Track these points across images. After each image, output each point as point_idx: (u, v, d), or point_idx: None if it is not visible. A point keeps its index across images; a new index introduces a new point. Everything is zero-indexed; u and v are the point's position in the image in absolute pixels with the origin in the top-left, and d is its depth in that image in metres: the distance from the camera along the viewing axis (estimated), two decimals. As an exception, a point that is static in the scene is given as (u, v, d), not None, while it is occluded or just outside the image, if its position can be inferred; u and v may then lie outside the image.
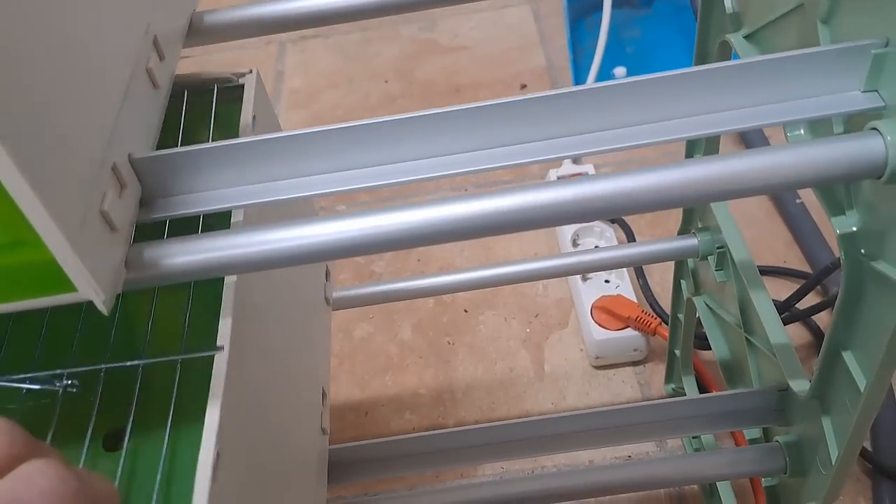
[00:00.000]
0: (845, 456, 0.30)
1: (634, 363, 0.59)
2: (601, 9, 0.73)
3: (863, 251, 0.26)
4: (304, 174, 0.24)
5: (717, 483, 0.47)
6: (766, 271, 0.62)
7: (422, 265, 0.69)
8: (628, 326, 0.57)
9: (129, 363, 0.25)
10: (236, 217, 0.26)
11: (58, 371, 0.26)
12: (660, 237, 0.58)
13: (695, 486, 0.52)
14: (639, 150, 0.68)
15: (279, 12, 0.32)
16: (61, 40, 0.20)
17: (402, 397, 0.59)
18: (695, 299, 0.45)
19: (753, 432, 0.40)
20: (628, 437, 0.38)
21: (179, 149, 0.23)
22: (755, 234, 0.66)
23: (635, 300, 0.59)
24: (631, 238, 0.66)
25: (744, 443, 0.45)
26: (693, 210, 0.44)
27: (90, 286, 0.19)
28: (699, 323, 0.46)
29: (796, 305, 0.56)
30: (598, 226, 0.65)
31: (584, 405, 0.57)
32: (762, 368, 0.39)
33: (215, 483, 0.21)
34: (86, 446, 0.24)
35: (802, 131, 0.28)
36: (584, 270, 0.48)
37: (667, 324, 0.54)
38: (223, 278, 0.25)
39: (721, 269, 0.41)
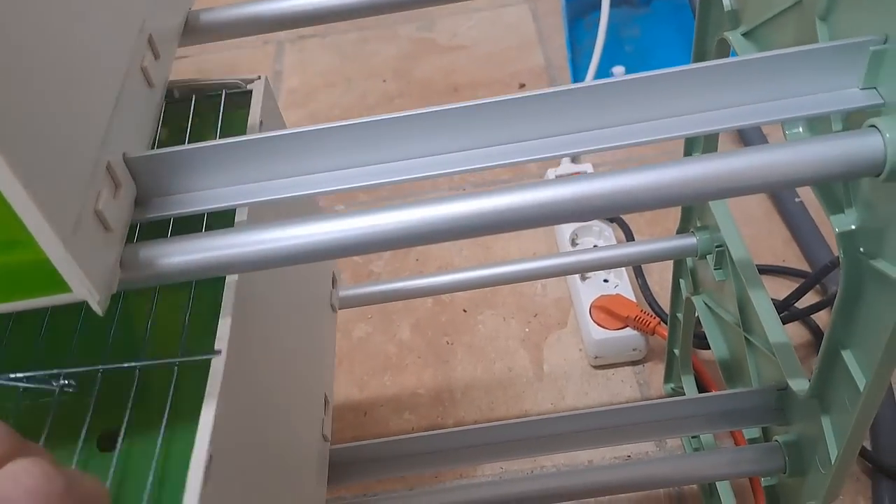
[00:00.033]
0: (845, 455, 0.30)
1: (633, 363, 0.59)
2: (600, 8, 0.73)
3: (862, 249, 0.26)
4: (301, 173, 0.24)
5: (716, 483, 0.47)
6: (765, 270, 0.62)
7: (420, 265, 0.68)
8: (627, 326, 0.57)
9: (126, 365, 0.25)
10: (240, 216, 0.26)
11: (55, 371, 0.26)
12: (659, 236, 0.58)
13: (694, 486, 0.52)
14: (637, 149, 0.68)
15: (276, 11, 0.32)
16: (55, 39, 0.19)
17: (400, 397, 0.59)
18: (694, 298, 0.45)
19: (753, 432, 0.40)
20: (627, 437, 0.38)
21: (174, 148, 0.23)
22: (754, 233, 0.66)
23: (634, 299, 0.59)
24: (630, 237, 0.66)
25: (743, 442, 0.45)
26: (692, 209, 0.44)
27: (84, 286, 0.19)
28: (698, 322, 0.46)
29: (795, 304, 0.56)
30: (596, 225, 0.65)
31: (583, 405, 0.57)
32: (761, 368, 0.39)
33: (207, 484, 0.21)
34: (79, 446, 0.24)
35: (801, 129, 0.28)
36: (583, 270, 0.48)
37: (666, 323, 0.54)
38: (224, 278, 0.25)
39: (720, 268, 0.41)
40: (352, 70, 0.90)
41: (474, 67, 0.88)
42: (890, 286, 0.24)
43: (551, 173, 0.70)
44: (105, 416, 0.24)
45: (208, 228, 0.26)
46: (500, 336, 0.62)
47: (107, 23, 0.22)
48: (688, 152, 0.42)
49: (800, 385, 0.34)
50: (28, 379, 0.26)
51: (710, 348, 0.45)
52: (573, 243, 0.65)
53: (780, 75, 0.24)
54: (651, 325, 0.56)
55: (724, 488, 0.46)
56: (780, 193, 0.67)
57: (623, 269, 0.61)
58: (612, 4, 0.73)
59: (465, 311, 0.64)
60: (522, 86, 0.84)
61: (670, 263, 0.49)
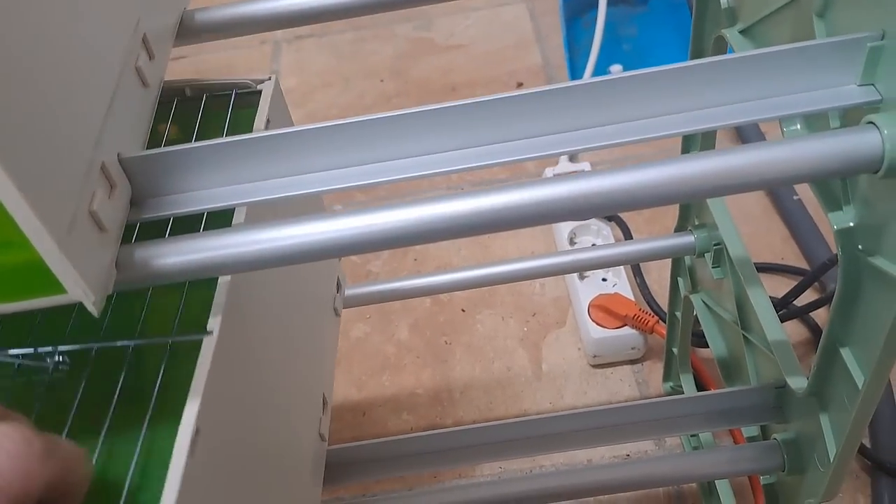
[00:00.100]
0: (843, 453, 0.30)
1: (632, 361, 0.59)
2: (597, 7, 0.73)
3: (860, 247, 0.26)
4: (298, 172, 0.24)
5: (715, 481, 0.47)
6: (763, 268, 0.62)
7: (418, 265, 0.68)
8: (626, 325, 0.57)
9: (119, 343, 0.25)
10: (238, 216, 0.26)
11: (50, 348, 0.26)
12: (657, 235, 0.57)
13: (693, 485, 0.52)
14: (635, 147, 0.68)
15: (271, 10, 0.31)
16: (48, 39, 0.19)
17: (399, 397, 0.59)
18: (692, 297, 0.45)
19: (752, 430, 0.40)
20: (626, 436, 0.38)
21: (169, 148, 0.23)
22: (752, 231, 0.66)
23: (633, 298, 0.59)
24: (628, 236, 0.66)
25: (742, 441, 0.45)
26: (690, 207, 0.44)
27: (79, 287, 0.19)
28: (697, 321, 0.46)
29: (794, 302, 0.56)
30: (594, 224, 0.65)
31: (582, 404, 0.57)
32: (760, 366, 0.38)
33: (193, 456, 0.21)
34: (69, 421, 0.24)
35: (799, 126, 0.28)
36: (582, 269, 0.48)
37: (664, 322, 0.54)
38: None
39: (718, 267, 0.41)
40: (349, 70, 0.90)
41: (472, 67, 0.87)
42: (888, 283, 0.24)
43: (549, 172, 0.70)
44: (96, 392, 0.24)
45: (206, 229, 0.26)
46: (499, 335, 0.62)
47: (100, 22, 0.22)
48: (685, 150, 0.42)
49: (798, 383, 0.33)
50: (23, 356, 0.26)
51: (708, 347, 0.45)
52: (571, 242, 0.65)
53: (778, 72, 0.23)
54: (650, 323, 0.56)
55: (723, 487, 0.46)
56: (778, 191, 0.67)
57: (621, 267, 0.61)
58: (610, 3, 0.73)
59: (463, 310, 0.64)
60: (520, 85, 0.84)
61: (669, 262, 0.49)
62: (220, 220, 0.26)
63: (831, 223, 0.26)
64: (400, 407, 0.59)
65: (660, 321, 0.56)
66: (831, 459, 0.30)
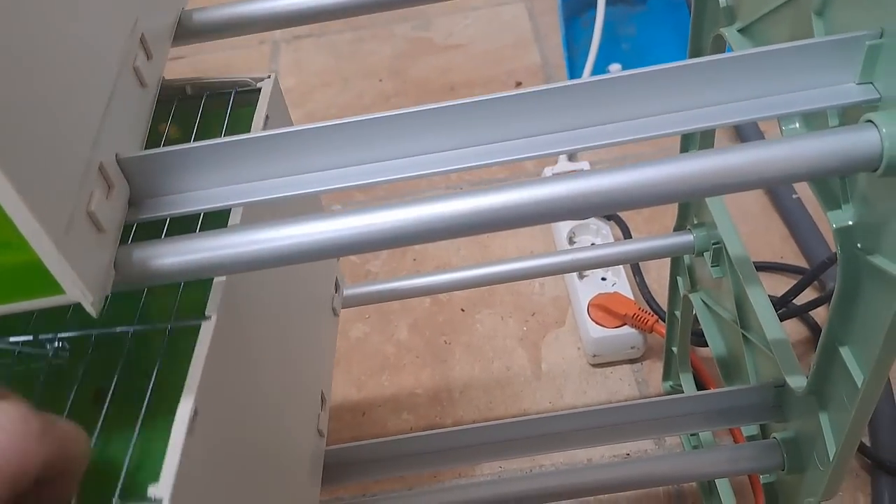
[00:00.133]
0: (843, 452, 0.30)
1: (632, 361, 0.59)
2: (595, 6, 0.73)
3: (859, 245, 0.26)
4: (296, 172, 0.24)
5: (715, 480, 0.47)
6: (762, 267, 0.62)
7: (418, 264, 0.68)
8: (625, 324, 0.57)
9: (118, 329, 0.26)
10: (234, 217, 0.26)
11: (50, 335, 0.26)
12: (656, 234, 0.57)
13: (693, 484, 0.52)
14: (634, 147, 0.68)
15: (270, 10, 0.31)
16: (46, 39, 0.19)
17: (399, 397, 0.59)
18: (691, 296, 0.45)
19: (751, 429, 0.40)
20: (626, 435, 0.38)
21: (167, 148, 0.23)
22: (752, 230, 0.66)
23: (632, 297, 0.59)
24: (627, 235, 0.66)
25: (742, 440, 0.45)
26: (688, 206, 0.44)
27: (78, 288, 0.19)
28: (696, 320, 0.46)
29: (793, 301, 0.56)
30: (594, 223, 0.65)
31: (582, 403, 0.57)
32: (759, 365, 0.38)
33: (191, 436, 0.21)
34: (68, 405, 0.24)
35: (797, 125, 0.28)
36: (581, 268, 0.47)
37: (664, 321, 0.54)
38: None
39: (717, 266, 0.41)
40: (348, 70, 0.90)
41: (470, 66, 0.87)
42: (887, 282, 0.24)
43: (548, 171, 0.70)
44: (96, 378, 0.24)
45: (202, 229, 0.26)
46: (498, 335, 0.62)
47: (98, 22, 0.22)
48: (684, 149, 0.42)
49: (797, 382, 0.33)
50: (23, 343, 0.26)
51: (708, 346, 0.44)
52: (571, 241, 0.65)
53: (776, 71, 0.23)
54: (649, 322, 0.56)
55: (723, 486, 0.46)
56: (777, 190, 0.67)
57: (621, 267, 0.61)
58: (608, 2, 0.73)
59: (462, 310, 0.64)
60: (519, 84, 0.84)
61: (668, 261, 0.49)
62: (217, 219, 0.26)
63: (830, 222, 0.26)
64: (399, 407, 0.59)
65: (659, 320, 0.56)
66: (831, 458, 0.30)
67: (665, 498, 0.51)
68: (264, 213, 0.28)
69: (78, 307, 0.23)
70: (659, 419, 0.38)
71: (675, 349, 0.53)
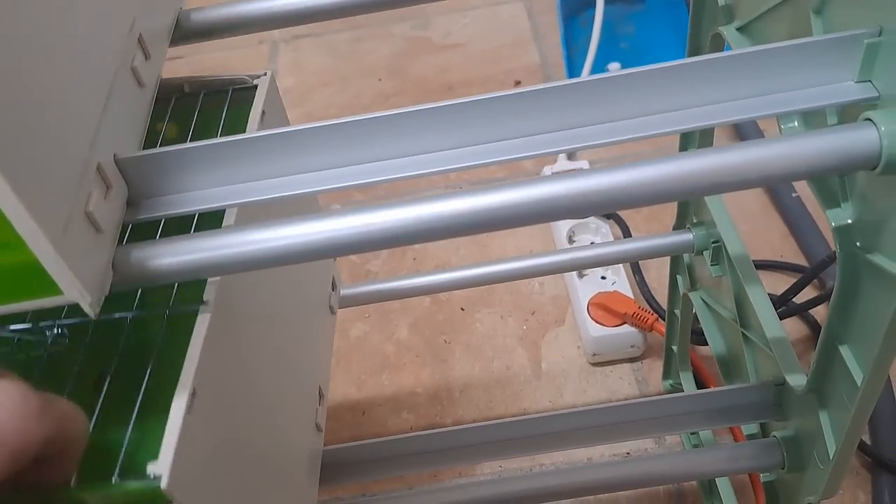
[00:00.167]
0: (843, 450, 0.30)
1: (632, 360, 0.59)
2: (594, 5, 0.73)
3: (858, 244, 0.26)
4: (295, 172, 0.24)
5: (716, 479, 0.47)
6: (762, 265, 0.62)
7: (417, 264, 0.68)
8: (625, 323, 0.57)
9: (117, 315, 0.26)
10: (228, 219, 0.26)
11: (49, 322, 0.26)
12: (656, 233, 0.57)
13: (694, 483, 0.51)
14: (633, 146, 0.68)
15: (268, 9, 0.31)
16: (42, 39, 0.19)
17: (399, 397, 0.59)
18: (691, 295, 0.45)
19: (751, 428, 0.40)
20: (626, 434, 0.38)
21: (165, 148, 0.23)
22: (751, 229, 0.66)
23: (632, 296, 0.59)
24: (627, 234, 0.66)
25: (742, 439, 0.45)
26: (688, 205, 0.44)
27: (75, 288, 0.19)
28: (696, 318, 0.46)
29: (793, 299, 0.56)
30: (593, 222, 0.65)
31: (582, 402, 0.57)
32: (759, 363, 0.38)
33: (189, 415, 0.21)
34: (68, 388, 0.24)
35: (796, 123, 0.28)
36: (580, 267, 0.47)
37: (664, 319, 0.54)
38: None
39: (716, 264, 0.41)
40: (346, 69, 0.90)
41: (469, 65, 0.87)
42: (887, 280, 0.24)
43: (547, 170, 0.70)
44: (95, 362, 0.25)
45: (197, 229, 0.26)
46: (498, 334, 0.62)
47: (95, 22, 0.22)
48: (683, 148, 0.42)
49: (797, 380, 0.33)
50: (22, 331, 0.26)
51: (708, 344, 0.44)
52: (570, 240, 0.65)
53: (775, 69, 0.23)
54: (649, 321, 0.56)
55: (723, 485, 0.46)
56: (777, 188, 0.66)
57: (621, 265, 0.61)
58: (607, 1, 0.73)
59: (462, 309, 0.64)
60: (518, 83, 0.84)
61: (668, 260, 0.49)
62: (213, 220, 0.26)
63: (829, 220, 0.26)
64: (399, 406, 0.59)
65: (659, 319, 0.56)
66: (831, 457, 0.30)
67: (665, 497, 0.51)
68: (260, 214, 0.28)
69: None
70: (659, 418, 0.38)
71: (674, 348, 0.53)
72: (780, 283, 0.60)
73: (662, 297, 0.56)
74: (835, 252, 0.27)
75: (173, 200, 0.23)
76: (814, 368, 0.31)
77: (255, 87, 0.32)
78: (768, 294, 0.37)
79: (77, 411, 0.20)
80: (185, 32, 0.31)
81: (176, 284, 0.26)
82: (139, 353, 0.24)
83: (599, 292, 0.59)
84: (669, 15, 0.79)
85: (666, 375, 0.56)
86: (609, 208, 0.23)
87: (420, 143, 0.24)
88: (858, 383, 0.27)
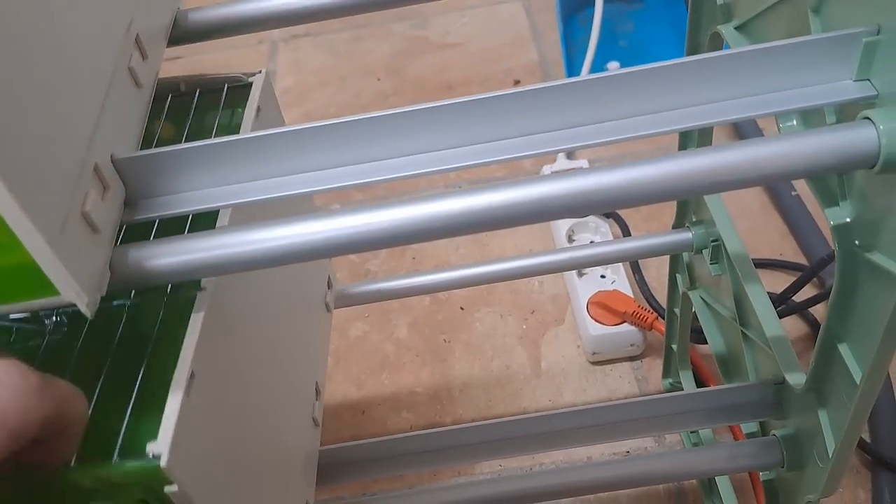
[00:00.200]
0: (842, 449, 0.30)
1: (631, 358, 0.59)
2: (593, 3, 0.73)
3: (857, 242, 0.26)
4: (292, 172, 0.24)
5: (715, 478, 0.47)
6: (761, 264, 0.62)
7: (417, 263, 0.68)
8: (625, 321, 0.57)
9: (115, 303, 0.26)
10: (222, 220, 0.26)
11: (48, 311, 0.26)
12: (655, 231, 0.57)
13: (694, 481, 0.51)
14: (632, 145, 0.67)
15: (266, 9, 0.31)
16: (39, 39, 0.19)
17: (398, 396, 0.59)
18: (690, 293, 0.45)
19: (751, 426, 0.40)
20: (626, 433, 0.38)
21: (162, 148, 0.23)
22: (751, 227, 0.66)
23: (632, 295, 0.59)
24: (626, 233, 0.66)
25: (742, 437, 0.45)
26: (687, 204, 0.44)
27: (72, 289, 0.19)
28: (696, 317, 0.45)
29: (793, 298, 0.56)
30: (592, 221, 0.65)
31: (582, 401, 0.57)
32: (758, 362, 0.38)
33: (188, 397, 0.21)
34: (67, 373, 0.24)
35: (795, 122, 0.28)
36: (580, 266, 0.47)
37: (664, 318, 0.54)
38: None
39: (716, 263, 0.41)
40: (346, 69, 0.90)
41: (468, 65, 0.87)
42: (885, 278, 0.24)
43: (547, 170, 0.70)
44: (94, 351, 0.25)
45: (191, 230, 0.26)
46: (498, 333, 0.62)
47: (92, 23, 0.22)
48: (682, 147, 0.42)
49: (796, 379, 0.33)
50: (21, 320, 0.26)
51: (707, 343, 0.44)
52: (570, 240, 0.65)
53: (773, 68, 0.23)
54: (649, 320, 0.56)
55: (723, 483, 0.46)
56: (776, 187, 0.66)
57: (620, 264, 0.61)
58: (606, 0, 0.73)
59: (462, 308, 0.64)
60: (517, 82, 0.84)
61: (668, 258, 0.49)
62: (206, 220, 0.26)
63: (828, 219, 0.26)
64: (399, 405, 0.59)
65: (659, 318, 0.56)
66: (830, 455, 0.30)
67: (665, 496, 0.51)
68: (255, 214, 0.28)
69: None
70: (658, 417, 0.38)
71: (674, 347, 0.53)
72: (779, 282, 0.60)
73: (662, 296, 0.56)
74: (834, 251, 0.27)
75: (171, 201, 0.23)
76: (813, 367, 0.31)
77: (251, 84, 0.32)
78: (768, 293, 0.37)
79: (76, 392, 0.20)
80: (184, 33, 0.31)
81: None
82: (137, 338, 0.25)
83: (599, 291, 0.59)
84: (668, 13, 0.79)
85: (666, 374, 0.56)
86: (608, 207, 0.23)
87: (418, 143, 0.24)
88: (857, 381, 0.27)
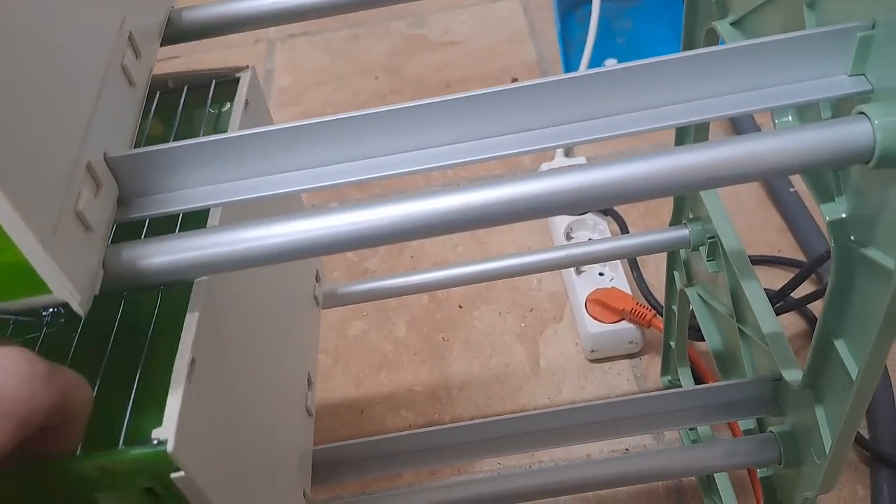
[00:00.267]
0: (839, 445, 0.30)
1: (630, 356, 0.59)
2: (591, 1, 0.73)
3: (853, 238, 0.26)
4: (287, 170, 0.24)
5: (714, 475, 0.47)
6: (759, 260, 0.62)
7: (415, 262, 0.68)
8: (623, 319, 0.57)
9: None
10: (213, 218, 0.26)
11: None
12: (653, 229, 0.57)
13: (693, 478, 0.51)
14: (629, 142, 0.67)
15: (261, 7, 0.31)
16: (31, 38, 0.19)
17: (397, 395, 0.59)
18: (688, 290, 0.45)
19: (748, 423, 0.40)
20: (625, 431, 0.38)
21: (156, 147, 0.23)
22: (749, 224, 0.66)
23: (630, 293, 0.58)
24: (624, 230, 0.66)
25: (740, 434, 0.45)
26: (684, 200, 0.44)
27: (65, 288, 0.19)
28: (694, 314, 0.45)
29: (791, 294, 0.56)
30: (591, 218, 0.65)
31: (581, 399, 0.57)
32: (755, 358, 0.38)
33: (190, 383, 0.21)
34: (67, 364, 0.24)
35: (790, 117, 0.28)
36: (578, 263, 0.47)
37: (662, 316, 0.54)
38: None
39: (713, 260, 0.41)
40: (343, 68, 0.90)
41: (466, 63, 0.87)
42: (881, 274, 0.24)
43: (545, 168, 0.70)
44: (93, 341, 0.25)
45: (182, 229, 0.26)
46: (496, 331, 0.62)
47: (85, 21, 0.22)
48: (679, 142, 0.42)
49: (793, 375, 0.33)
50: (20, 312, 0.26)
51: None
52: (568, 237, 0.65)
53: (769, 63, 0.23)
54: (647, 317, 0.56)
55: (722, 480, 0.46)
56: (774, 183, 0.66)
57: (618, 262, 0.61)
58: (603, -3, 0.73)
59: (460, 307, 0.64)
60: (515, 80, 0.84)
61: (666, 256, 0.49)
62: (198, 218, 0.26)
63: (823, 214, 0.26)
64: (398, 404, 0.59)
65: (657, 315, 0.56)
66: (827, 451, 0.30)
67: (665, 493, 0.51)
68: (247, 213, 0.28)
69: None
70: (657, 414, 0.38)
71: (672, 344, 0.53)
72: (777, 279, 0.60)
73: (660, 294, 0.56)
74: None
75: (165, 199, 0.23)
76: (809, 363, 0.31)
77: (238, 80, 0.32)
78: (766, 289, 0.37)
79: (80, 379, 0.20)
80: (178, 31, 0.31)
81: None
82: (136, 327, 0.25)
83: (597, 289, 0.59)
84: (666, 10, 0.79)
85: (664, 371, 0.56)
86: (605, 203, 0.23)
87: (414, 140, 0.24)
88: (853, 377, 0.27)
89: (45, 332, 0.25)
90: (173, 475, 0.20)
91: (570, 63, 0.79)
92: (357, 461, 0.38)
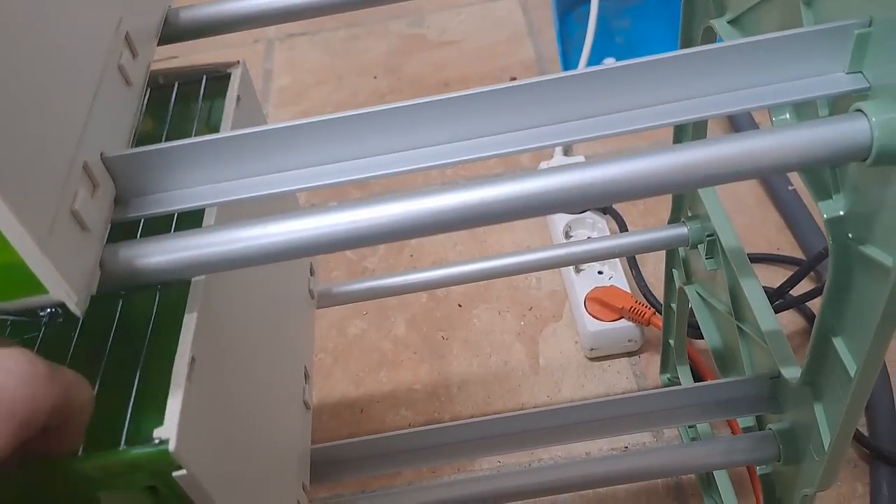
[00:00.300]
0: (838, 442, 0.30)
1: (629, 354, 0.59)
2: (589, 0, 0.73)
3: (850, 235, 0.26)
4: (284, 169, 0.24)
5: (714, 472, 0.47)
6: (758, 258, 0.62)
7: (414, 260, 0.68)
8: (622, 317, 0.57)
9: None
10: (208, 218, 0.26)
11: None
12: (652, 227, 0.57)
13: (692, 476, 0.52)
14: (629, 140, 0.67)
15: (258, 7, 0.31)
16: (27, 38, 0.19)
17: (397, 393, 0.59)
18: (686, 288, 0.45)
19: (747, 420, 0.40)
20: (624, 428, 0.38)
21: (153, 146, 0.23)
22: (747, 222, 0.66)
23: (629, 291, 0.58)
24: (623, 228, 0.66)
25: (739, 432, 0.45)
26: (682, 198, 0.44)
27: (62, 288, 0.19)
28: (693, 312, 0.45)
29: (790, 292, 0.56)
30: (590, 217, 0.65)
31: (580, 397, 0.57)
32: (754, 356, 0.38)
33: (190, 382, 0.21)
34: (66, 363, 0.24)
35: (788, 115, 0.28)
36: (577, 261, 0.47)
37: (661, 314, 0.54)
38: None
39: (711, 258, 0.41)
40: (342, 67, 0.90)
41: (465, 62, 0.87)
42: (879, 271, 0.24)
43: (543, 166, 0.70)
44: (92, 340, 0.25)
45: (177, 228, 0.26)
46: (496, 330, 0.62)
47: (82, 21, 0.22)
48: (677, 140, 0.42)
49: (792, 373, 0.33)
50: (18, 312, 0.26)
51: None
52: (567, 236, 0.65)
53: (766, 61, 0.23)
54: (646, 315, 0.56)
55: (721, 478, 0.46)
56: (773, 181, 0.66)
57: (617, 260, 0.61)
58: (602, -5, 0.73)
59: (459, 305, 0.64)
60: (513, 79, 0.83)
61: (664, 254, 0.49)
62: (193, 218, 0.26)
63: (821, 212, 0.26)
64: (398, 403, 0.59)
65: (656, 313, 0.56)
66: (826, 449, 0.30)
67: (664, 490, 0.51)
68: (243, 212, 0.28)
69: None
70: (656, 412, 0.38)
71: (672, 342, 0.53)
72: (776, 276, 0.60)
73: (659, 292, 0.56)
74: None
75: (163, 198, 0.23)
76: (808, 361, 0.31)
77: (229, 75, 0.32)
78: (765, 287, 0.37)
79: (81, 379, 0.20)
80: (175, 31, 0.30)
81: None
82: (135, 326, 0.24)
83: (596, 287, 0.59)
84: (664, 9, 0.79)
85: (663, 369, 0.56)
86: (603, 201, 0.23)
87: (412, 139, 0.24)
88: (852, 375, 0.27)
89: (44, 333, 0.25)
90: (175, 474, 0.20)
91: (568, 62, 0.79)
92: (357, 460, 0.38)
